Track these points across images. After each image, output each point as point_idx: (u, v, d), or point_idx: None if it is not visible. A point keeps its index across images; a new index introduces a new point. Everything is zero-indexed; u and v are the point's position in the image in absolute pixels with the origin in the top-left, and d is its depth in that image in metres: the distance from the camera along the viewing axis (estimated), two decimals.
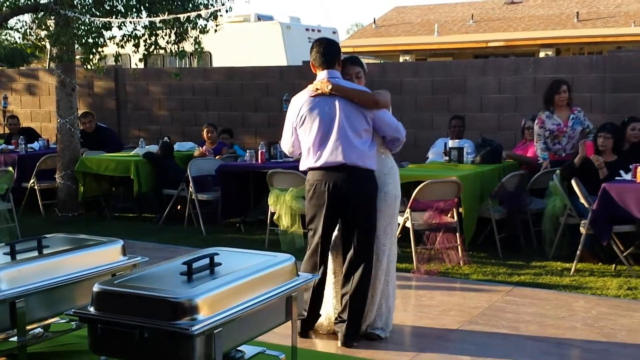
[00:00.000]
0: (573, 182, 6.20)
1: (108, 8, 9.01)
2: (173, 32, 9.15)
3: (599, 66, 8.35)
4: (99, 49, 8.99)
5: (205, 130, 9.18)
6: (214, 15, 9.26)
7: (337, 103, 4.31)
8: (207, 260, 3.24)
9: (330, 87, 4.27)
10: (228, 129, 9.80)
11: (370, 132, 4.36)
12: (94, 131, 9.94)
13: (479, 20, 24.08)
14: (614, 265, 6.30)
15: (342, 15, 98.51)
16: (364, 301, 4.42)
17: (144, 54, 9.40)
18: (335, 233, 4.51)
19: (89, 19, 8.64)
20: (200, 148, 9.03)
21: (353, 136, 4.28)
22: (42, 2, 8.97)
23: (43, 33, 9.29)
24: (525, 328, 4.80)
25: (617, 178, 6.25)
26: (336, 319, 4.48)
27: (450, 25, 24.09)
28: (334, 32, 16.29)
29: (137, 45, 9.25)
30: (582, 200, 6.18)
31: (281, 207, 6.84)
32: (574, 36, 20.39)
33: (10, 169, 8.04)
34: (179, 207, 8.72)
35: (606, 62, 8.39)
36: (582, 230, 6.18)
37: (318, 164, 4.36)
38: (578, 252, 6.21)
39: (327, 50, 4.39)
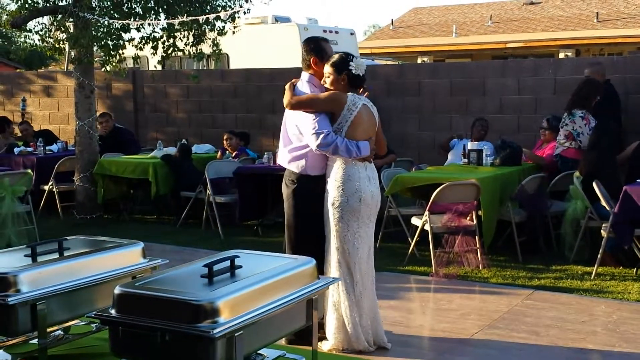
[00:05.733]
0: (594, 185, 6.14)
1: (126, 10, 9.05)
2: (191, 34, 9.18)
3: (619, 67, 8.28)
4: (119, 51, 9.03)
5: (224, 138, 9.21)
6: (232, 17, 9.28)
7: None
8: (227, 263, 3.23)
9: (286, 103, 4.46)
10: (243, 133, 9.69)
11: (301, 138, 4.43)
12: (112, 133, 9.98)
13: (498, 21, 23.98)
14: (635, 270, 6.23)
15: (359, 17, 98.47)
16: None
17: (162, 56, 9.43)
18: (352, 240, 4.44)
19: (107, 21, 8.68)
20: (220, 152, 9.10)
21: (286, 140, 4.53)
22: (61, 4, 9.03)
23: (62, 35, 9.34)
24: (546, 333, 4.75)
25: (638, 181, 6.18)
26: None
27: (468, 26, 24.01)
28: (351, 34, 16.26)
29: (155, 48, 9.28)
30: (604, 203, 6.11)
31: None
32: (593, 37, 20.26)
33: (29, 171, 8.09)
34: None
35: (627, 63, 8.31)
36: (603, 233, 6.12)
37: None
38: (599, 256, 6.14)
39: (302, 53, 4.57)
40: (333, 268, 4.35)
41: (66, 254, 3.82)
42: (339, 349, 4.32)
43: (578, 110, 7.25)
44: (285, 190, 4.55)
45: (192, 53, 9.32)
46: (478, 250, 6.44)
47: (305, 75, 4.56)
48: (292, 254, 4.35)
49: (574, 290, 5.77)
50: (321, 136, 4.24)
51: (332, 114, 4.35)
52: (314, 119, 4.29)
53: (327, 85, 4.42)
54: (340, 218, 4.33)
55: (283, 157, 4.56)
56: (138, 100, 11.78)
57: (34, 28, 9.69)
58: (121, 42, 8.99)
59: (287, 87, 4.50)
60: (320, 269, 4.29)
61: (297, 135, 4.45)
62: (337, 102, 4.33)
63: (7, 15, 9.63)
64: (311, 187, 4.44)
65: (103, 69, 9.58)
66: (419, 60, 20.92)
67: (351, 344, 4.33)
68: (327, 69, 4.40)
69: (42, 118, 12.61)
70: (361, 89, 4.52)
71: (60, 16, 8.93)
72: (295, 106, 4.39)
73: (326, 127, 4.28)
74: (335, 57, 4.41)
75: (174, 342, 2.86)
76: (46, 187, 9.29)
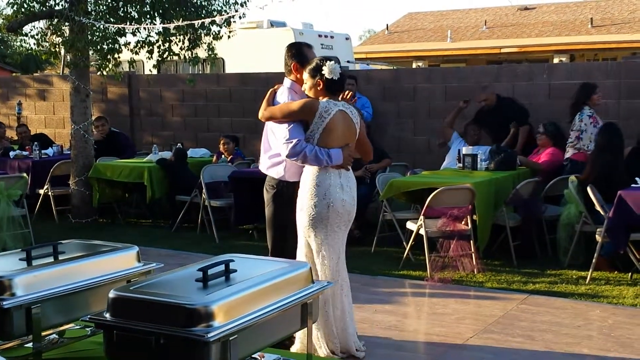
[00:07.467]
0: (589, 189, 6.16)
1: (122, 14, 9.06)
2: (186, 38, 9.19)
3: (614, 72, 8.30)
4: (114, 55, 9.04)
5: (221, 143, 9.22)
6: (228, 22, 9.29)
7: None
8: (222, 267, 3.22)
9: (260, 115, 4.53)
10: (233, 136, 9.61)
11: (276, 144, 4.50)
12: (108, 137, 9.98)
13: (492, 26, 24.06)
14: (630, 274, 6.24)
15: (354, 22, 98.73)
16: None
17: (157, 60, 9.44)
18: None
19: (103, 25, 8.69)
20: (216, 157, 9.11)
21: (266, 146, 4.63)
22: (57, 8, 9.04)
23: (58, 39, 9.35)
24: (541, 337, 4.76)
25: (633, 185, 6.20)
26: None
27: (463, 31, 24.09)
28: (346, 39, 16.29)
29: (150, 52, 9.30)
30: (598, 208, 6.13)
31: None
32: (588, 42, 20.34)
33: (25, 175, 8.09)
34: None
35: (621, 68, 8.34)
36: (598, 238, 6.14)
37: None
38: (594, 261, 6.16)
39: (284, 58, 4.63)
40: None
41: (61, 257, 3.80)
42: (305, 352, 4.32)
43: (586, 109, 7.31)
44: (266, 195, 4.64)
45: (187, 57, 9.34)
46: (473, 254, 6.46)
47: (287, 81, 4.57)
48: (271, 256, 4.42)
49: (568, 294, 5.79)
50: (290, 145, 4.23)
51: (306, 122, 4.32)
52: (286, 128, 4.29)
53: (306, 92, 4.39)
54: (308, 224, 4.28)
55: (263, 164, 4.65)
56: (133, 104, 11.77)
57: (29, 32, 9.71)
58: (117, 46, 9.00)
59: (267, 95, 4.54)
60: None
61: (275, 142, 4.50)
62: (308, 110, 4.27)
63: (3, 19, 9.64)
64: (290, 192, 4.46)
65: (99, 73, 9.58)
66: (414, 65, 20.96)
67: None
68: (304, 75, 4.38)
69: (37, 122, 12.59)
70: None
71: (56, 20, 8.94)
72: (268, 118, 4.45)
73: (298, 135, 4.26)
74: (311, 62, 4.38)
75: (168, 346, 2.85)
76: (41, 191, 9.29)
